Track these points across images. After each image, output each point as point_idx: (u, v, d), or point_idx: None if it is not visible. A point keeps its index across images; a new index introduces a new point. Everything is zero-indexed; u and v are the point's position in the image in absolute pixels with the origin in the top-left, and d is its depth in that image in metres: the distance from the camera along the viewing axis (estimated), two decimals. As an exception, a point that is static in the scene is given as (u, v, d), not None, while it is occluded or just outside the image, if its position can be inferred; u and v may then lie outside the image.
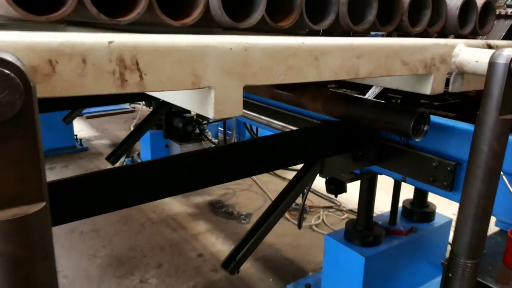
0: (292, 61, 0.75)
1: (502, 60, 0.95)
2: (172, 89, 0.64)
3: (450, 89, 1.08)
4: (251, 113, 2.76)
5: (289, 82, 0.77)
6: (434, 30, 1.19)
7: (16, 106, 0.40)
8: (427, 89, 1.04)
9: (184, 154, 1.44)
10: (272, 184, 4.39)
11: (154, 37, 0.61)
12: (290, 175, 4.54)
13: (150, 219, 3.63)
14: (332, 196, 4.02)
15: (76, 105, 3.99)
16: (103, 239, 3.31)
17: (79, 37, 0.55)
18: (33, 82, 0.41)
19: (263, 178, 4.48)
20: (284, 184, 4.37)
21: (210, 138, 4.65)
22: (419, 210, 2.74)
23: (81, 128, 6.15)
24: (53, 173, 4.43)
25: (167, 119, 4.30)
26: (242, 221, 3.65)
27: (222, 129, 5.32)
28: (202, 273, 2.90)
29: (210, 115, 0.69)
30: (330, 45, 0.81)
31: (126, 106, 7.29)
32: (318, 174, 1.84)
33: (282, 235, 3.40)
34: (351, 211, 3.84)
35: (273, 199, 3.95)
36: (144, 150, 4.69)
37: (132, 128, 6.13)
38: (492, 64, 0.96)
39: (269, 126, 2.61)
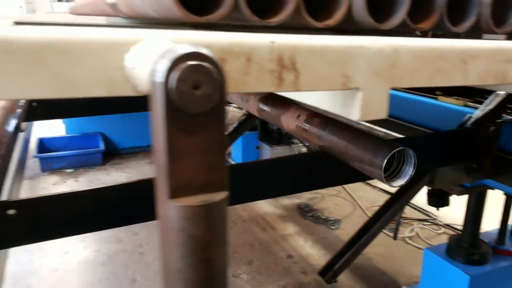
0: (440, 64, 0.73)
1: None
2: (322, 89, 0.65)
3: None
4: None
5: (435, 86, 0.74)
6: None
7: (213, 99, 0.42)
8: None
9: (285, 158, 1.45)
10: (361, 191, 4.28)
11: (310, 37, 0.63)
12: (380, 183, 4.39)
13: (241, 217, 3.73)
14: (428, 208, 3.83)
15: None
16: (197, 232, 3.46)
17: (244, 36, 0.58)
18: (225, 77, 0.44)
19: (352, 185, 4.38)
20: (374, 192, 4.27)
21: (302, 142, 4.66)
22: (532, 231, 2.50)
23: (176, 125, 6.49)
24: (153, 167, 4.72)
25: (262, 121, 4.38)
26: (331, 226, 3.60)
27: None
28: (292, 274, 2.91)
29: (355, 117, 0.69)
30: (479, 48, 0.76)
31: (218, 106, 7.54)
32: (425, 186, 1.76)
33: (374, 245, 3.27)
34: (448, 226, 3.61)
35: (363, 206, 3.87)
36: (235, 150, 4.82)
37: (223, 128, 6.34)
38: None
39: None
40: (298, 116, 1.51)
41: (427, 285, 2.44)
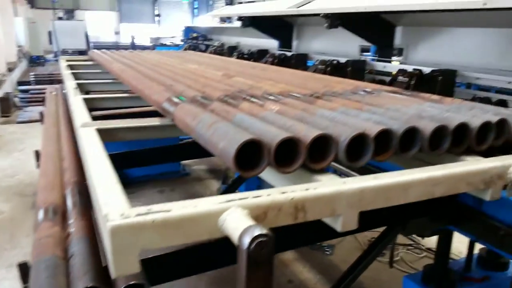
0: (389, 193, 1.20)
1: (544, 183, 1.31)
2: (320, 218, 1.12)
3: (506, 194, 1.45)
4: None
5: (384, 206, 1.21)
6: (498, 144, 1.56)
7: (268, 253, 0.89)
8: (486, 196, 1.42)
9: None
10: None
11: (311, 190, 1.10)
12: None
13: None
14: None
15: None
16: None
17: (277, 196, 1.06)
18: (274, 241, 0.91)
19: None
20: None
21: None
22: (494, 259, 2.98)
23: (181, 151, 6.96)
24: (163, 196, 5.17)
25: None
26: (326, 252, 4.07)
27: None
28: (293, 298, 3.37)
29: (338, 228, 1.16)
30: (415, 179, 1.24)
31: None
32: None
33: (363, 268, 3.75)
34: (429, 250, 4.09)
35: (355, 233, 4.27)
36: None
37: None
38: (537, 184, 1.33)
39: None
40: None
41: (407, 307, 2.91)
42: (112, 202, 1.01)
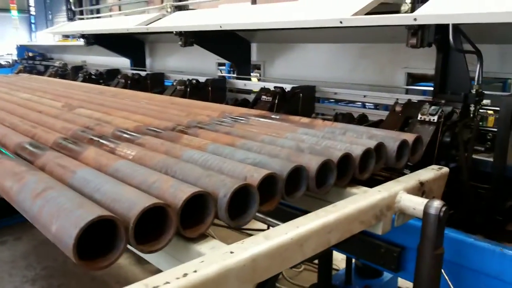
0: (285, 254, 0.98)
1: (432, 211, 1.24)
2: (205, 310, 0.84)
3: (396, 224, 1.37)
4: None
5: (280, 271, 0.99)
6: (377, 169, 1.48)
7: None
8: (378, 230, 1.31)
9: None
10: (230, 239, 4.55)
11: (191, 276, 0.81)
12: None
13: None
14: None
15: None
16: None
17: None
18: None
19: (222, 234, 4.63)
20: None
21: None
22: (370, 267, 3.05)
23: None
24: (5, 248, 4.30)
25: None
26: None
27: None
28: None
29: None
30: (310, 231, 1.05)
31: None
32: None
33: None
34: (307, 262, 4.10)
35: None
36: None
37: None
38: (425, 213, 1.25)
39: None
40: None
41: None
42: None
